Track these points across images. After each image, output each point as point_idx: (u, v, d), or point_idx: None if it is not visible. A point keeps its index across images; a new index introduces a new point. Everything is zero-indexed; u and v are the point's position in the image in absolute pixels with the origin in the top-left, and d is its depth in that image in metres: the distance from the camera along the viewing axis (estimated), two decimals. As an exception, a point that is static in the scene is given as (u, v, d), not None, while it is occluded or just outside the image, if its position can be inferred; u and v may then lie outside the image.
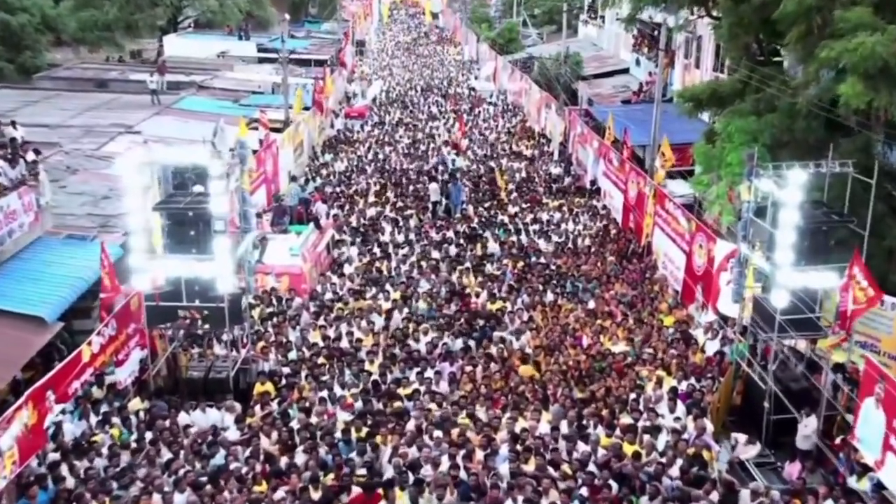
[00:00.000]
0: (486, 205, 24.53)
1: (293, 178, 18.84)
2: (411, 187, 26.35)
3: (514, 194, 25.55)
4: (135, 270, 12.94)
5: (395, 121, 37.89)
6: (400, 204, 24.24)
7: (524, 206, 24.32)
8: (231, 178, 12.90)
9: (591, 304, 17.57)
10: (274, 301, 17.17)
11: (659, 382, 13.83)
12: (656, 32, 38.43)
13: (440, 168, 27.35)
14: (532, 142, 33.59)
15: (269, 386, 13.75)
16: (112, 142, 25.03)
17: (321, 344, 15.40)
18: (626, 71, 40.30)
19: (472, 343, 15.70)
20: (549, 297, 17.88)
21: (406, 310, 16.94)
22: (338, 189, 25.70)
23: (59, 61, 44.14)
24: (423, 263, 19.59)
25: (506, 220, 23.06)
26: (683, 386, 13.94)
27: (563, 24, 45.08)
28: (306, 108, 29.32)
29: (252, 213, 13.94)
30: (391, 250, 20.54)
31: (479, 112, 39.88)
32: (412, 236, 21.54)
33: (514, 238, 21.55)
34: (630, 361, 14.88)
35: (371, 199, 24.78)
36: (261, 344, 15.24)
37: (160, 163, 12.89)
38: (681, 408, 13.20)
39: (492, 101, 43.16)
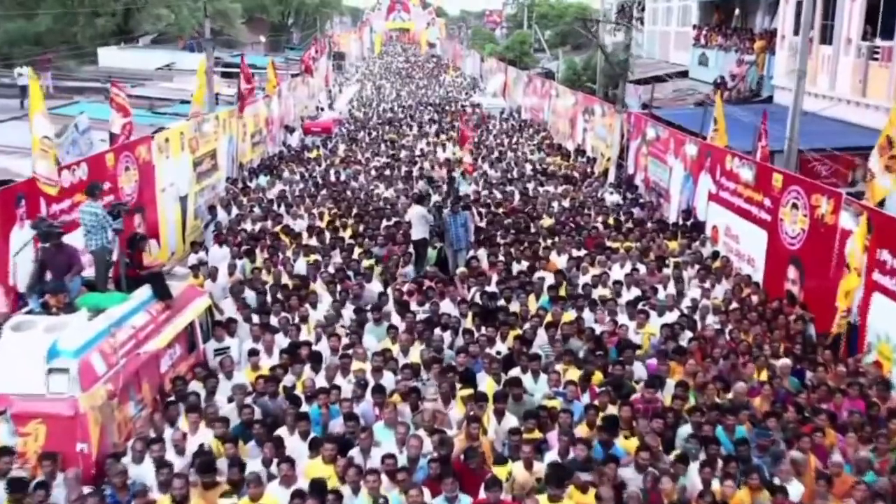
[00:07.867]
0: (511, 249, 13.77)
1: (90, 193, 8.45)
2: (384, 223, 15.70)
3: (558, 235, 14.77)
4: None
5: (370, 138, 27.56)
6: (357, 252, 13.67)
7: (578, 253, 13.50)
8: None
9: (796, 496, 7.00)
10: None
11: None
12: (736, 11, 28.64)
13: (430, 191, 16.81)
14: (569, 161, 23.14)
15: None
16: None
17: None
18: (683, 74, 30.49)
19: None
20: (692, 475, 7.22)
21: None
22: (256, 227, 15.09)
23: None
24: (388, 372, 9.12)
25: (550, 277, 12.33)
26: None
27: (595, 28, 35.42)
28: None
29: None
30: (324, 341, 10.02)
31: (489, 128, 29.72)
32: (374, 314, 10.88)
33: (571, 313, 10.86)
34: None
35: (309, 240, 14.19)
36: None
37: None
38: None
39: (504, 117, 33.22)
